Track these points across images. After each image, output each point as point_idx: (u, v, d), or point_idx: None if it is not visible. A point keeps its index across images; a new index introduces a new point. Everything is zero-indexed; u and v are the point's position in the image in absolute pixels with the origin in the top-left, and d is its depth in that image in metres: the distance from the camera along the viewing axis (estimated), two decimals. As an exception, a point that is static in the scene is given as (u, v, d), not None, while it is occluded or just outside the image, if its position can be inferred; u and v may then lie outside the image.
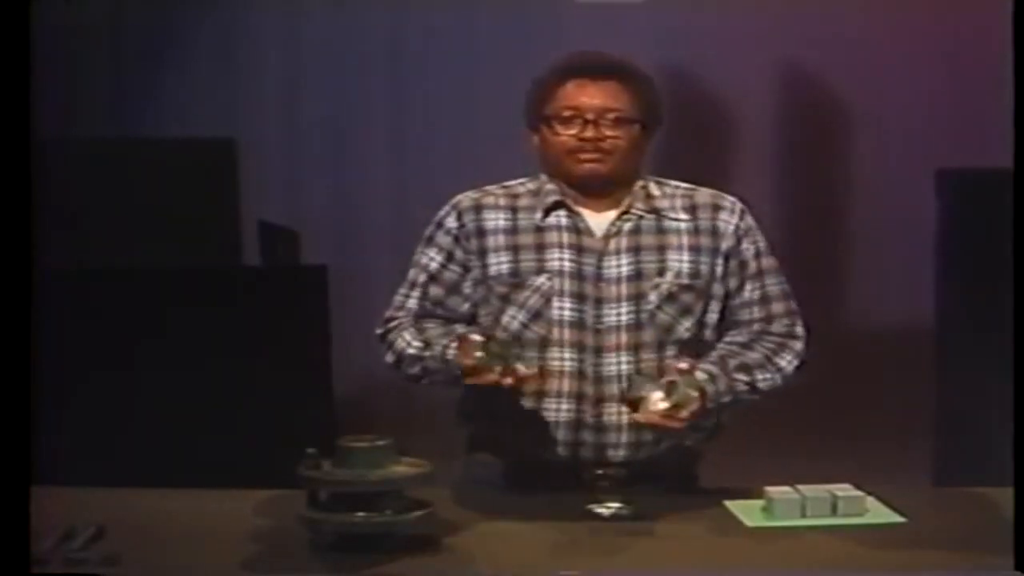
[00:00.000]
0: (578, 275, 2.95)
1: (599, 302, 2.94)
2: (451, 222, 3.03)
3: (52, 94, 4.78)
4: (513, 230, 3.00)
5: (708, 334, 3.02)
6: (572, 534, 2.69)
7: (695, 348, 2.98)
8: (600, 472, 2.86)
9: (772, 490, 2.81)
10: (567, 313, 2.94)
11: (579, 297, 2.94)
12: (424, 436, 3.00)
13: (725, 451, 3.05)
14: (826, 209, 5.51)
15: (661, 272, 2.97)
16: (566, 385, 2.91)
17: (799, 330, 3.04)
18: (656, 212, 3.00)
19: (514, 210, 3.02)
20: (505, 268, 2.98)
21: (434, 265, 3.03)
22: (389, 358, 3.03)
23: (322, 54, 5.48)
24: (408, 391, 3.10)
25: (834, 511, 2.78)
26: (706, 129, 5.36)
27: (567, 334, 2.94)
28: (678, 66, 5.16)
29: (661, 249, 2.98)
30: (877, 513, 2.81)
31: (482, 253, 3.00)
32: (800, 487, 2.81)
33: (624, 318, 2.94)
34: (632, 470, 2.91)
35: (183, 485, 3.00)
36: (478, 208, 3.03)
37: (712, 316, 3.02)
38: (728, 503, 2.86)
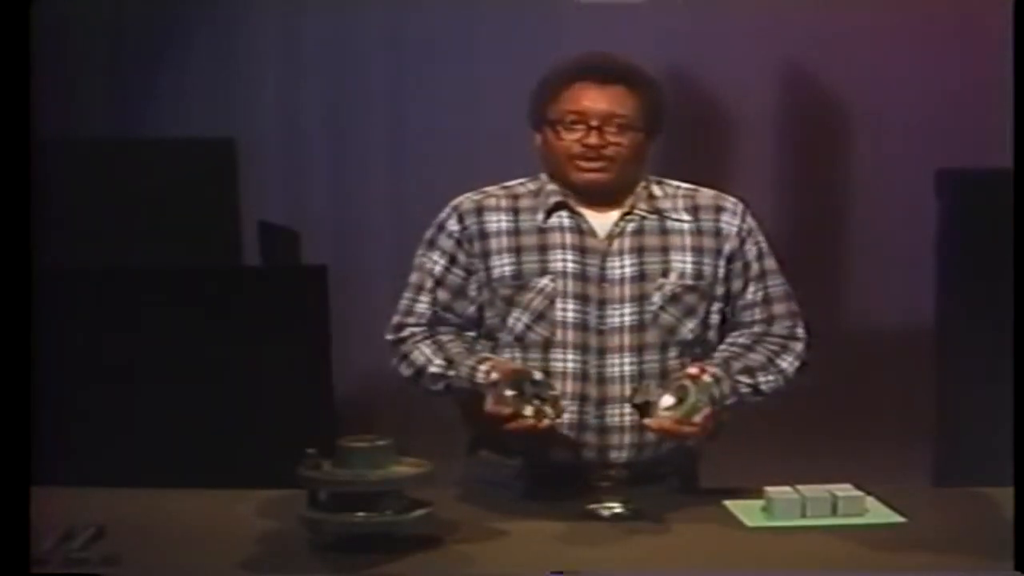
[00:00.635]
0: (582, 276, 2.95)
1: (602, 303, 2.94)
2: (453, 225, 3.03)
3: (52, 94, 4.77)
4: (515, 232, 2.99)
5: (711, 335, 3.02)
6: (572, 534, 2.69)
7: (698, 349, 2.98)
8: (602, 473, 2.86)
9: (772, 490, 2.81)
10: (570, 314, 2.94)
11: (583, 298, 2.94)
12: (424, 436, 3.00)
13: (725, 451, 3.04)
14: (826, 209, 5.51)
15: (665, 273, 2.96)
16: (569, 386, 2.90)
17: (800, 331, 3.04)
18: (658, 213, 2.99)
19: (516, 211, 3.01)
20: (508, 270, 2.97)
21: (438, 269, 3.03)
22: (406, 371, 3.02)
23: (322, 54, 5.47)
24: (408, 391, 3.10)
25: (834, 511, 2.78)
26: (706, 129, 5.36)
27: (570, 335, 2.93)
28: (678, 66, 5.16)
29: (664, 250, 2.97)
30: (877, 513, 2.81)
31: (485, 256, 2.99)
32: (800, 487, 2.81)
33: (627, 319, 2.94)
34: (633, 471, 2.91)
35: (183, 485, 3.00)
36: (479, 210, 3.02)
37: (715, 317, 3.02)
38: (728, 503, 2.86)
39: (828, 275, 5.41)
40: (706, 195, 3.05)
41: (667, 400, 2.75)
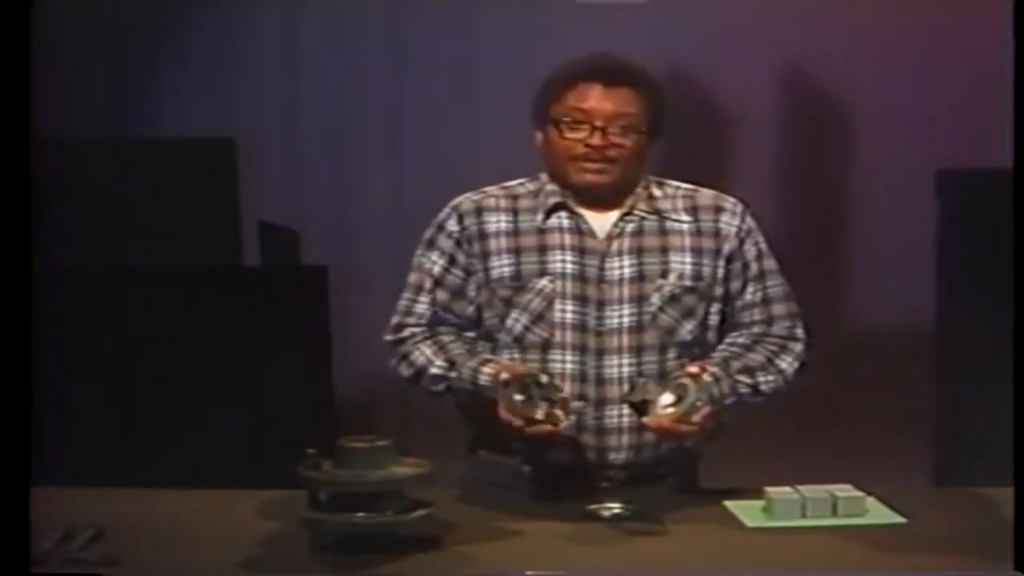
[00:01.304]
0: (580, 277, 2.94)
1: (601, 304, 2.94)
2: (452, 225, 3.02)
3: (52, 94, 4.77)
4: (515, 232, 2.99)
5: (710, 336, 3.02)
6: (572, 535, 2.69)
7: (696, 350, 2.98)
8: (601, 474, 2.86)
9: (772, 490, 2.81)
10: (569, 315, 2.94)
11: (581, 299, 2.94)
12: (424, 436, 3.00)
13: (725, 452, 3.04)
14: (826, 209, 5.51)
15: (664, 274, 2.96)
16: (567, 388, 2.89)
17: (800, 332, 3.04)
18: (658, 213, 2.99)
19: (515, 212, 3.01)
20: (507, 271, 2.97)
21: (437, 269, 3.02)
22: (405, 371, 3.02)
23: (322, 54, 5.47)
24: (408, 392, 3.10)
25: (834, 511, 2.77)
26: (706, 129, 5.35)
27: (569, 336, 2.93)
28: (678, 66, 5.15)
29: (664, 251, 2.97)
30: (877, 513, 2.81)
31: (484, 256, 2.99)
32: (800, 487, 2.81)
33: (626, 320, 2.94)
34: (633, 471, 2.91)
35: (183, 485, 3.00)
36: (479, 210, 3.02)
37: (714, 318, 3.02)
38: (728, 503, 2.86)
39: (828, 275, 5.41)
40: (706, 195, 3.05)
41: (666, 398, 2.75)
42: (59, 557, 2.44)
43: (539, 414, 2.72)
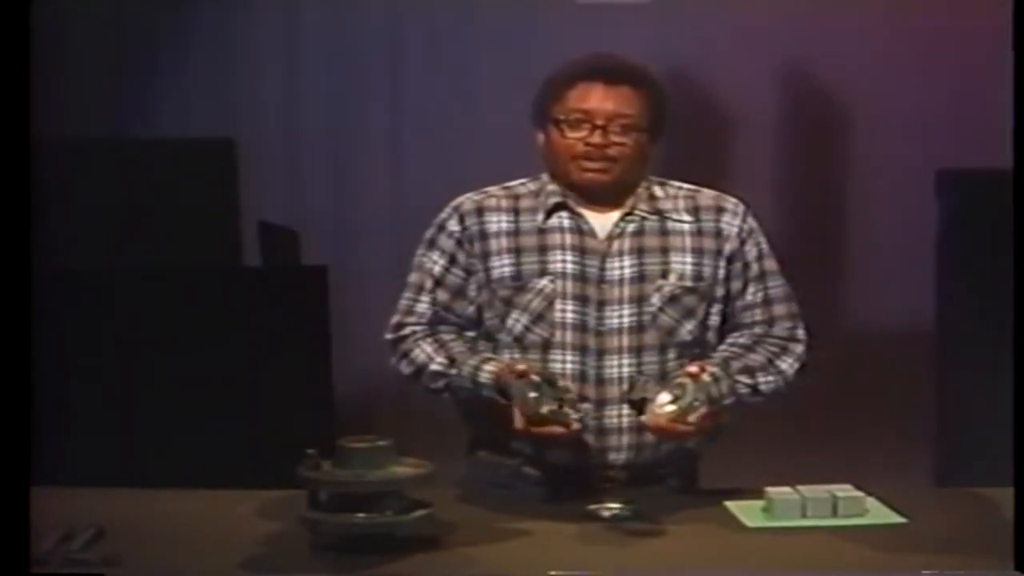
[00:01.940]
0: (581, 277, 2.94)
1: (601, 304, 2.94)
2: (453, 225, 3.02)
3: (52, 94, 4.77)
4: (515, 232, 2.99)
5: (710, 336, 3.02)
6: (572, 534, 2.69)
7: (696, 350, 2.98)
8: (601, 474, 2.86)
9: (772, 490, 2.81)
10: (569, 315, 2.94)
11: (582, 299, 2.94)
12: (424, 436, 2.99)
13: (726, 452, 3.04)
14: (826, 209, 5.50)
15: (664, 274, 2.96)
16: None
17: (800, 333, 3.04)
18: (659, 213, 2.99)
19: (516, 212, 3.01)
20: (507, 271, 2.97)
21: (438, 269, 3.02)
22: (406, 368, 3.02)
23: (322, 54, 5.47)
24: (408, 392, 3.09)
25: (835, 512, 2.77)
26: (706, 129, 5.35)
27: (569, 336, 2.93)
28: (678, 66, 5.15)
29: (664, 251, 2.97)
30: (878, 514, 2.81)
31: (485, 256, 2.99)
32: (800, 487, 2.81)
33: (626, 320, 2.93)
34: (633, 472, 2.91)
35: (183, 486, 3.00)
36: (480, 210, 3.02)
37: (714, 319, 3.02)
38: (728, 503, 2.86)
39: (828, 275, 5.40)
40: (707, 196, 3.05)
41: (663, 398, 2.75)
42: (59, 557, 2.44)
43: (547, 411, 2.71)
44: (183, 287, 4.57)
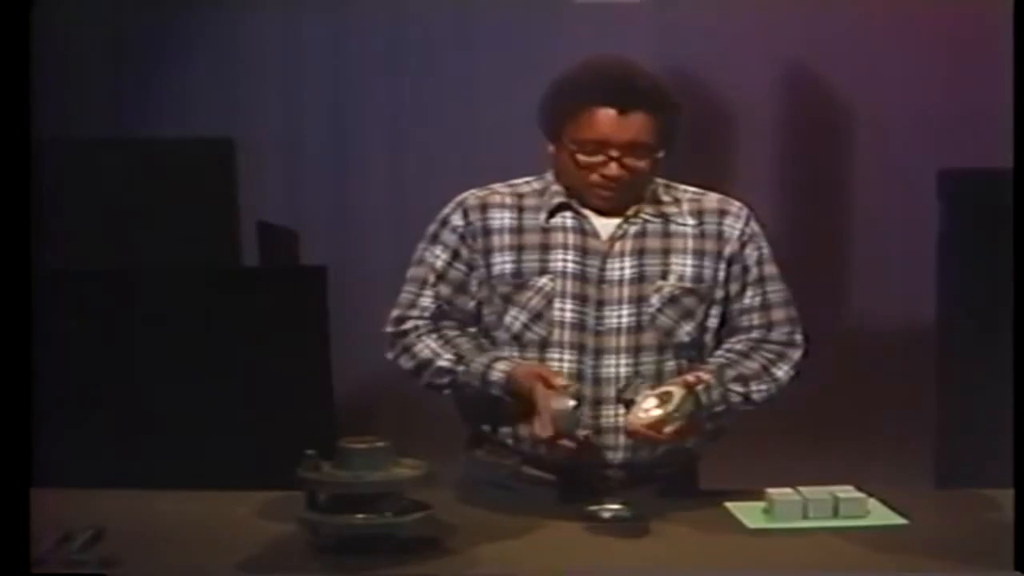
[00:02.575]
0: (581, 276, 2.94)
1: (600, 304, 2.93)
2: (457, 220, 3.02)
3: (52, 94, 4.77)
4: (518, 230, 2.99)
5: (708, 339, 3.01)
6: (572, 534, 2.68)
7: (694, 352, 2.98)
8: (598, 473, 2.86)
9: (773, 492, 2.81)
10: (568, 314, 2.93)
11: (581, 299, 2.93)
12: (423, 437, 2.99)
13: (726, 453, 3.04)
14: (826, 209, 5.51)
15: (664, 275, 2.96)
16: (564, 386, 2.89)
17: (799, 338, 3.03)
18: (663, 216, 2.99)
19: (520, 209, 3.00)
20: (508, 268, 2.97)
21: (440, 264, 3.01)
22: (407, 363, 3.00)
23: (321, 53, 5.47)
24: (407, 392, 3.09)
25: (835, 513, 2.77)
26: (705, 129, 5.35)
27: (567, 335, 2.93)
28: (678, 66, 5.14)
29: (665, 252, 2.97)
30: (879, 515, 2.80)
31: (487, 252, 2.99)
32: (801, 489, 2.81)
33: (624, 320, 2.93)
34: (632, 472, 2.90)
35: (182, 487, 3.00)
36: (484, 207, 3.01)
37: (713, 321, 3.01)
38: (729, 504, 2.86)
39: (828, 275, 5.41)
40: (712, 199, 3.05)
41: (649, 402, 2.74)
42: (57, 559, 2.44)
43: (583, 436, 2.76)
44: (182, 287, 4.57)
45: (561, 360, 2.92)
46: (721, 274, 3.00)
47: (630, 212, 2.97)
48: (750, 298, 3.02)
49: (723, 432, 3.01)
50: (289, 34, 5.49)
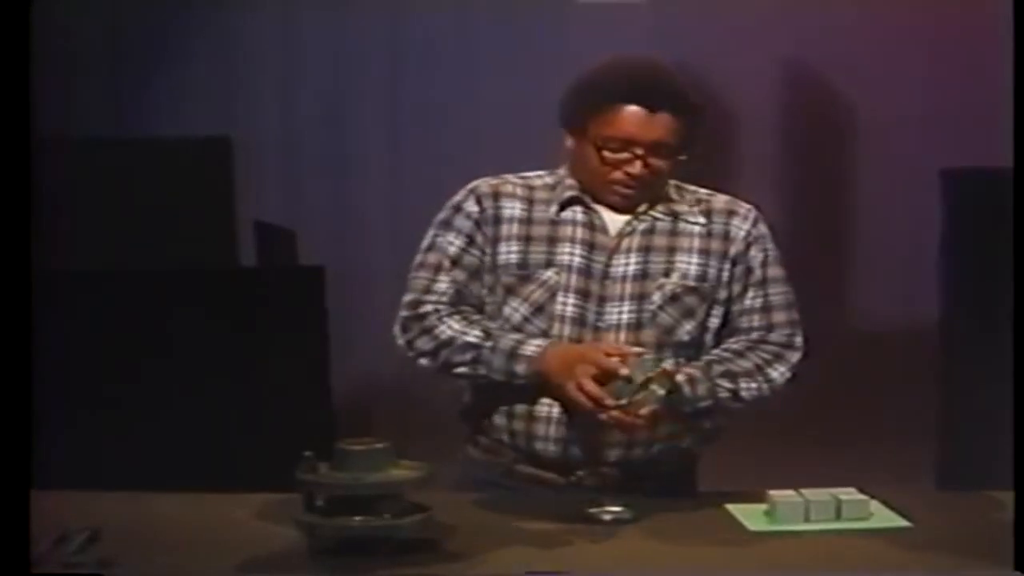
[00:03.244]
0: (586, 272, 2.94)
1: (602, 300, 2.93)
2: (471, 206, 3.00)
3: (52, 94, 4.77)
4: (528, 221, 2.99)
5: (708, 339, 3.00)
6: (572, 535, 2.68)
7: (693, 351, 2.97)
8: (594, 471, 2.85)
9: (775, 494, 2.80)
10: (569, 309, 2.93)
11: (583, 294, 2.93)
12: (423, 438, 2.99)
13: (728, 454, 3.03)
14: (827, 210, 5.51)
15: (667, 273, 2.95)
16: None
17: (798, 341, 3.01)
18: (674, 215, 2.99)
19: (530, 201, 3.00)
20: (514, 258, 2.96)
21: (454, 249, 3.00)
22: (426, 344, 2.95)
23: (319, 53, 5.47)
24: (406, 392, 3.08)
25: (838, 515, 2.76)
26: (706, 129, 5.35)
27: (567, 330, 2.92)
28: (678, 66, 5.12)
29: (671, 250, 2.97)
30: (881, 517, 2.79)
31: (495, 241, 2.98)
32: (803, 491, 2.80)
33: (625, 317, 2.93)
34: (630, 471, 2.90)
35: (179, 488, 2.99)
36: (496, 195, 3.01)
37: (714, 320, 3.00)
38: (731, 507, 2.85)
39: (829, 275, 5.41)
40: (721, 200, 3.05)
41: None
42: (54, 561, 2.43)
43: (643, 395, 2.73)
44: (180, 287, 4.57)
45: (559, 356, 2.91)
46: (725, 274, 2.99)
47: (640, 209, 2.97)
48: (751, 299, 3.01)
49: (721, 432, 3.01)
50: (288, 34, 5.49)
